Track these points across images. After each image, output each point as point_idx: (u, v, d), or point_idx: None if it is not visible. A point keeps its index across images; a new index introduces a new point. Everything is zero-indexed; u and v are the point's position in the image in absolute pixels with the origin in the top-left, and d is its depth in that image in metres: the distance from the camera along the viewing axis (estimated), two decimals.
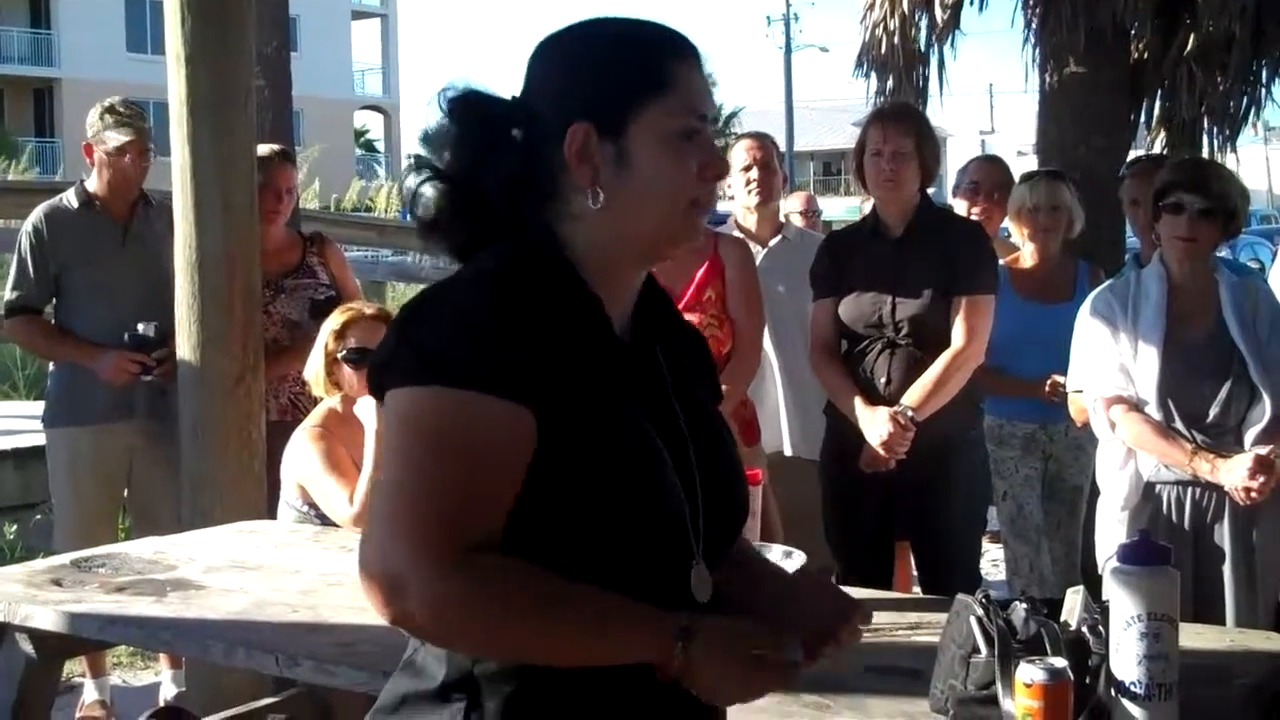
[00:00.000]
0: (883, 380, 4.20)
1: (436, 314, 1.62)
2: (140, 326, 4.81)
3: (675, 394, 1.77)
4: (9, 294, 5.06)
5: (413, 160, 1.75)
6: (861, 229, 4.56)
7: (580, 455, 1.60)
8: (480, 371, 1.55)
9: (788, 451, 4.92)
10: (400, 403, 1.59)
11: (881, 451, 4.08)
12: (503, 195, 1.70)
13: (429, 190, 1.72)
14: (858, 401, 4.17)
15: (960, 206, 5.48)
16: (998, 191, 5.43)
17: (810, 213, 7.02)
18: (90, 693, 5.02)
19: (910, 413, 4.07)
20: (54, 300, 5.01)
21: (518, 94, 1.74)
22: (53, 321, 5.05)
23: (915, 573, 4.62)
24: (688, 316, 4.12)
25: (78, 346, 4.95)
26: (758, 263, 4.64)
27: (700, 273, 4.32)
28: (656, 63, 1.70)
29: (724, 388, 4.04)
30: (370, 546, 1.56)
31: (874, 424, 4.10)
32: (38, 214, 5.03)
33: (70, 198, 5.06)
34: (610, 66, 1.71)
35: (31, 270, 4.95)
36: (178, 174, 4.46)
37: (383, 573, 1.53)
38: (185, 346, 4.52)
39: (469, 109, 1.72)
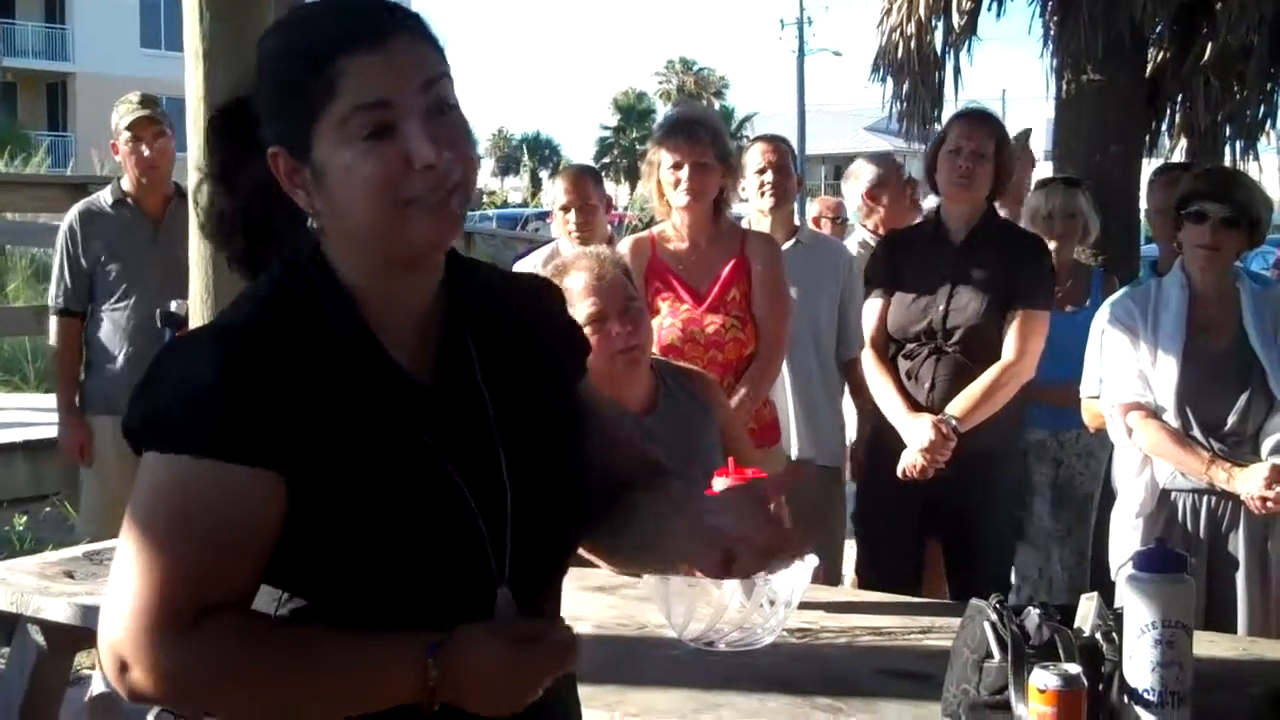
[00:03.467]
0: (926, 386, 4.19)
1: (168, 377, 1.55)
2: (174, 305, 4.93)
3: (488, 385, 1.65)
4: (52, 293, 5.36)
5: (200, 172, 1.70)
6: (923, 230, 4.55)
7: (345, 505, 1.52)
8: (207, 437, 1.48)
9: (794, 455, 4.90)
10: (144, 467, 1.53)
11: (921, 459, 4.08)
12: (258, 202, 1.63)
13: (203, 200, 1.68)
14: (900, 407, 4.17)
15: (861, 210, 5.54)
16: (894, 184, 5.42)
17: (840, 219, 7.00)
18: (98, 684, 5.01)
19: (954, 422, 4.07)
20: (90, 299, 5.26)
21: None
22: (88, 319, 5.27)
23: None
24: (710, 318, 4.21)
25: (66, 393, 5.29)
26: None
27: (726, 271, 4.30)
28: (317, 66, 1.53)
29: (744, 390, 4.13)
30: (103, 618, 1.50)
31: (915, 430, 4.10)
32: (73, 213, 5.33)
33: (105, 196, 5.34)
34: (279, 83, 1.58)
35: (68, 272, 5.24)
36: (193, 169, 4.47)
37: (108, 646, 1.49)
38: None
39: (214, 121, 1.67)
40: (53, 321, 5.30)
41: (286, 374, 1.52)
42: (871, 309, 4.38)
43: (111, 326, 5.19)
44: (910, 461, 4.10)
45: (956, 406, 4.10)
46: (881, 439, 4.31)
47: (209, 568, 1.49)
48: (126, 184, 5.26)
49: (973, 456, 4.08)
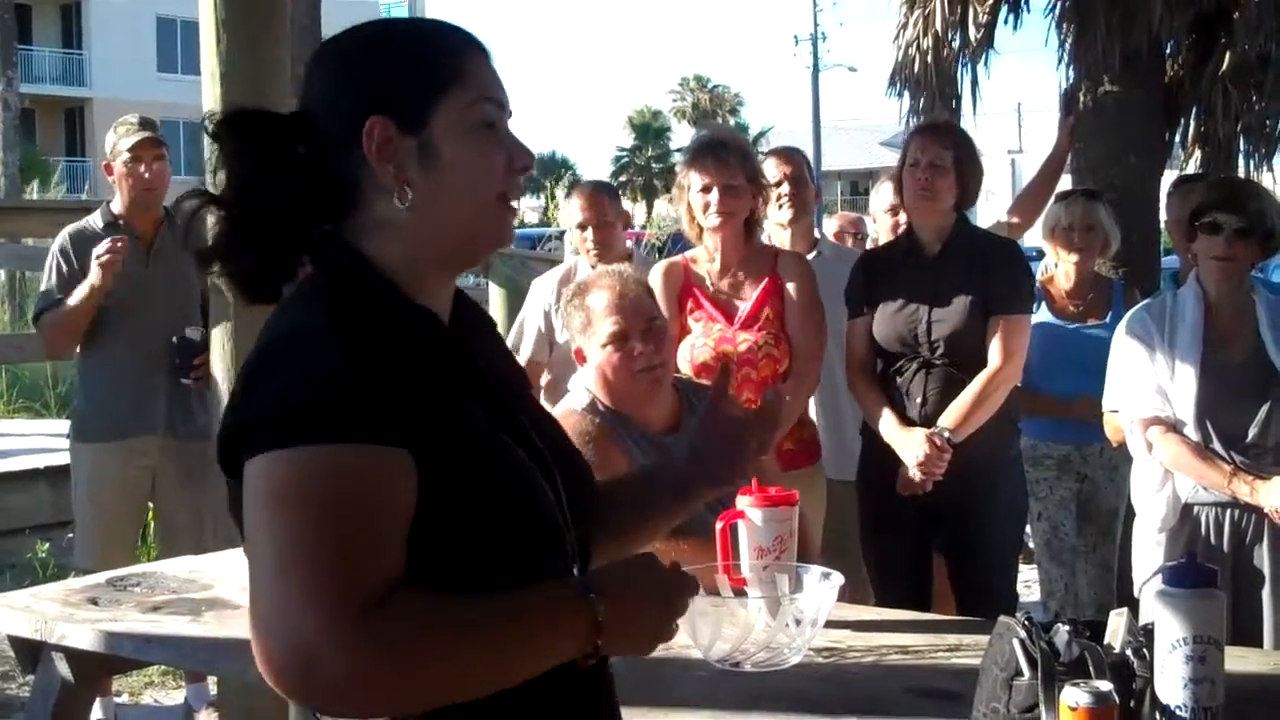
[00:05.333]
0: (918, 400, 4.18)
1: (284, 372, 1.53)
2: (187, 331, 4.96)
3: (509, 399, 1.74)
4: (38, 307, 5.20)
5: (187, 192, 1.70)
6: (896, 246, 4.55)
7: (462, 482, 1.56)
8: (347, 422, 1.48)
9: None
10: (265, 472, 1.49)
11: (918, 474, 4.06)
12: (289, 215, 1.64)
13: (206, 218, 1.65)
14: (893, 423, 4.15)
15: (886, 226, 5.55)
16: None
17: (860, 235, 6.98)
18: (95, 711, 5.00)
19: (947, 434, 4.05)
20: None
21: (297, 108, 1.69)
22: (82, 344, 5.11)
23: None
24: (743, 336, 4.19)
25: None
26: None
27: (759, 291, 4.30)
28: (447, 55, 1.67)
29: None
30: (267, 629, 1.45)
31: (909, 446, 4.08)
32: (64, 236, 5.17)
33: (96, 219, 5.20)
34: (403, 62, 1.66)
35: (57, 292, 5.05)
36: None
37: (289, 654, 1.43)
38: (219, 362, 4.54)
39: (238, 128, 1.67)
40: (43, 319, 5.11)
41: (394, 357, 1.55)
42: (853, 331, 4.37)
43: (107, 350, 5.07)
44: (908, 477, 4.09)
45: (948, 418, 4.09)
46: (876, 456, 4.29)
47: (377, 548, 1.49)
48: (118, 206, 5.16)
49: (966, 467, 4.07)
